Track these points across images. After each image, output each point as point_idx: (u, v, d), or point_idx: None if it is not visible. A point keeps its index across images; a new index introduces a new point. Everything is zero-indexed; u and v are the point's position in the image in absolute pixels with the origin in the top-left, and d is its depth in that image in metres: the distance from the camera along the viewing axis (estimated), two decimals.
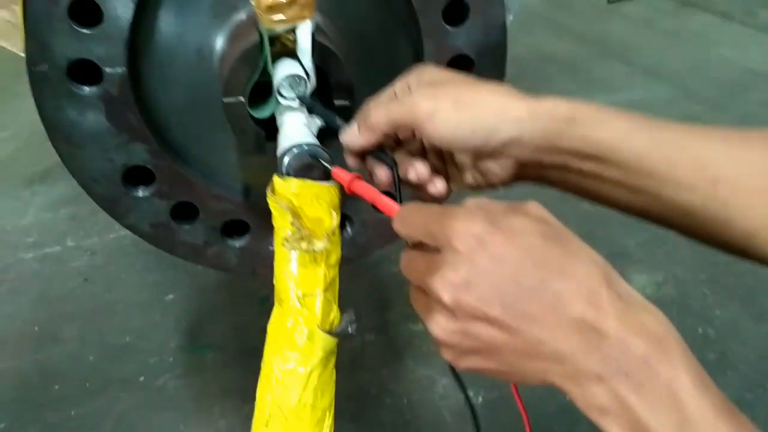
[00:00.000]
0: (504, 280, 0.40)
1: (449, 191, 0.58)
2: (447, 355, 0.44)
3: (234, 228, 0.84)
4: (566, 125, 0.50)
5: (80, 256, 1.99)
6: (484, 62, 0.79)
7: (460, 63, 0.79)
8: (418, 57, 0.79)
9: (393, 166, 0.55)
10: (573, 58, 2.95)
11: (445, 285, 0.41)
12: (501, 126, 0.51)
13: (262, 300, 1.66)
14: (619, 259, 1.64)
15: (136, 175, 0.78)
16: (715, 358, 1.41)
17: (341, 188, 0.58)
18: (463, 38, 0.77)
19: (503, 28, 0.78)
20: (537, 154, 0.52)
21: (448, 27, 0.76)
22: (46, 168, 2.52)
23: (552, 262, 0.41)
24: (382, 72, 0.81)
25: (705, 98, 2.42)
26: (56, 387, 1.50)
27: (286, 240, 0.55)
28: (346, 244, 0.85)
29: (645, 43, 2.99)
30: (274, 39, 0.65)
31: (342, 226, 0.85)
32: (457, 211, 0.44)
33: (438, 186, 0.56)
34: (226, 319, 1.67)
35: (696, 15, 3.20)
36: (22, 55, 2.19)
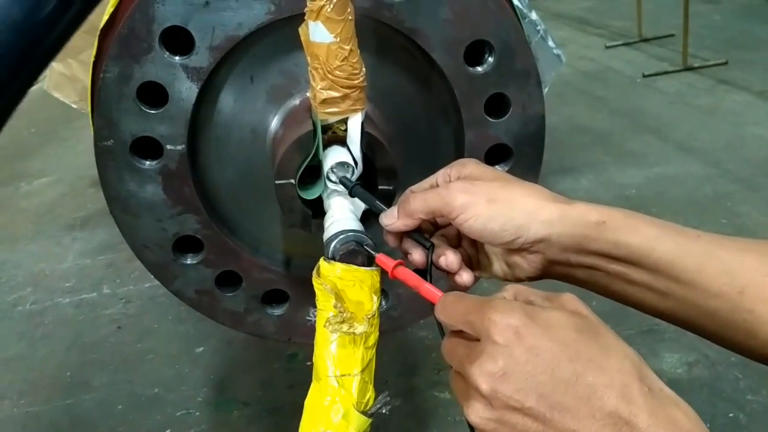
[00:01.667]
0: (539, 372, 0.42)
1: (474, 282, 0.60)
2: None
3: (274, 297, 0.88)
4: (596, 229, 0.53)
5: (115, 303, 2.04)
6: (523, 151, 0.83)
7: (500, 151, 0.83)
8: (459, 144, 0.83)
9: (430, 249, 0.58)
10: (607, 130, 2.98)
11: (483, 374, 0.43)
12: (531, 226, 0.54)
13: (289, 358, 1.68)
14: (650, 338, 1.63)
15: (186, 244, 0.82)
16: None
17: (383, 272, 0.61)
18: (503, 129, 0.81)
19: (542, 120, 0.81)
20: (565, 255, 0.55)
21: (489, 119, 0.80)
22: (87, 214, 2.61)
23: (586, 356, 0.43)
24: (426, 157, 0.85)
25: (739, 177, 2.42)
26: None
27: (328, 322, 0.58)
28: (381, 317, 0.87)
29: (679, 119, 3.01)
30: (327, 128, 0.69)
31: None
32: (496, 303, 0.46)
33: (464, 277, 0.59)
34: (253, 374, 1.69)
35: (731, 93, 3.23)
36: (73, 105, 2.26)
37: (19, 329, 1.94)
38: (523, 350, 0.43)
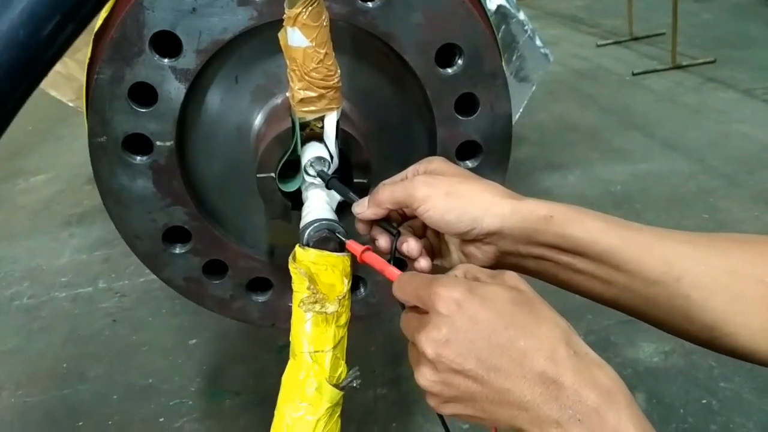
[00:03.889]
0: (478, 338, 0.48)
1: (431, 268, 0.65)
2: (431, 402, 0.52)
3: (258, 285, 0.93)
4: (545, 223, 0.58)
5: (110, 297, 2.09)
6: (491, 147, 0.88)
7: (470, 147, 0.88)
8: (432, 141, 0.88)
9: (396, 236, 0.64)
10: (595, 128, 3.03)
11: (429, 341, 0.49)
12: (485, 218, 0.59)
13: (280, 348, 1.73)
14: (628, 328, 1.68)
15: (175, 235, 0.87)
16: (717, 430, 1.44)
17: (354, 258, 0.66)
18: (472, 126, 0.86)
19: (509, 119, 0.87)
20: (516, 246, 0.60)
21: (459, 117, 0.85)
22: (84, 211, 2.65)
23: (520, 324, 0.48)
24: (401, 153, 0.91)
25: (722, 173, 2.47)
26: (80, 423, 1.57)
27: (302, 302, 0.64)
28: (360, 303, 0.93)
29: (666, 117, 3.06)
30: (305, 125, 0.74)
31: (356, 287, 0.94)
32: (442, 279, 0.52)
33: (422, 263, 0.64)
34: (245, 365, 1.74)
35: (718, 91, 3.28)
36: (70, 103, 2.31)
37: (16, 323, 1.98)
38: (463, 319, 0.48)
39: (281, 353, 1.71)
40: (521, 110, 2.37)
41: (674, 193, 2.37)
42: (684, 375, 1.58)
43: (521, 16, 2.24)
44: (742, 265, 0.56)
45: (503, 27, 2.22)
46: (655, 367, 1.60)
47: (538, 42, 2.31)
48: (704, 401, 1.51)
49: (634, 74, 3.64)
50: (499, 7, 2.17)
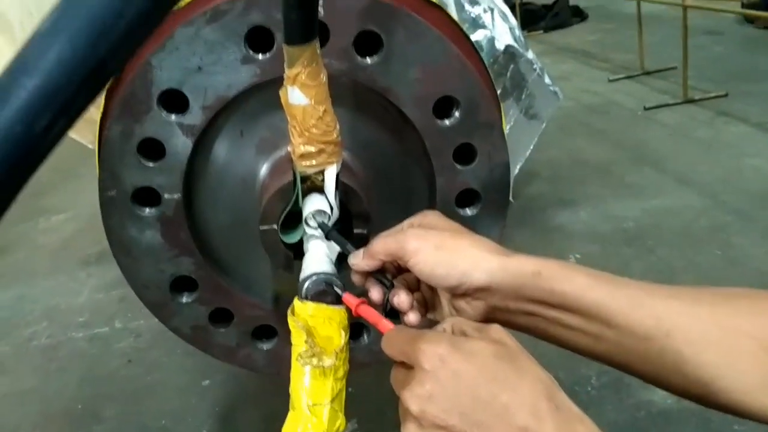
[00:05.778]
0: (461, 394, 0.49)
1: (421, 322, 0.66)
2: None
3: (263, 332, 0.95)
4: (532, 279, 0.60)
5: (126, 337, 2.11)
6: (490, 195, 0.90)
7: (469, 195, 0.90)
8: (432, 189, 0.90)
9: (389, 288, 0.66)
10: (607, 163, 3.03)
11: (413, 397, 0.50)
12: (473, 273, 0.60)
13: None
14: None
15: (182, 284, 0.89)
16: None
17: (350, 311, 0.68)
18: (471, 175, 0.88)
19: (507, 167, 0.88)
20: (505, 302, 0.61)
21: (458, 166, 0.87)
22: (101, 250, 2.69)
23: (502, 378, 0.49)
24: (401, 201, 0.93)
25: (735, 209, 2.46)
26: None
27: (300, 356, 0.65)
28: (364, 351, 0.94)
29: (679, 151, 3.06)
30: (306, 178, 0.77)
31: (359, 334, 0.95)
32: (427, 335, 0.53)
33: (410, 317, 0.65)
34: (257, 407, 1.74)
35: (730, 125, 3.28)
36: (89, 145, 2.39)
37: (34, 363, 2.01)
38: (447, 375, 0.49)
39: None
40: (531, 147, 2.39)
41: (687, 229, 2.36)
42: (697, 417, 1.56)
43: (530, 55, 2.28)
44: (730, 320, 0.57)
45: (512, 66, 2.26)
46: (669, 409, 1.58)
47: (547, 80, 2.34)
48: None
49: (645, 109, 3.64)
50: (508, 47, 2.20)
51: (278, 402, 1.71)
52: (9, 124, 0.29)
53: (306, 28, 0.65)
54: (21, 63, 0.29)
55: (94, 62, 0.29)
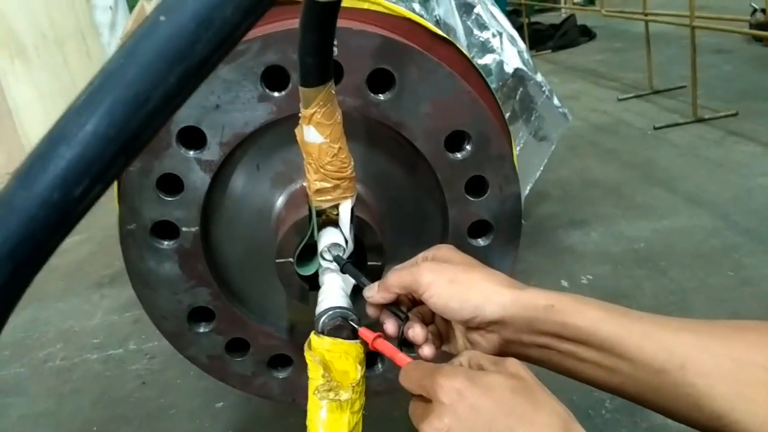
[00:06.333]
0: (479, 428, 0.50)
1: (435, 355, 0.67)
2: None
3: (279, 361, 0.96)
4: (545, 312, 0.61)
5: (140, 359, 2.13)
6: (502, 226, 0.91)
7: (481, 227, 0.91)
8: (444, 221, 0.91)
9: (404, 321, 0.67)
10: (617, 183, 3.04)
11: (432, 430, 0.51)
12: (486, 307, 0.62)
13: (304, 413, 1.74)
14: None
15: (199, 314, 0.91)
16: None
17: (366, 344, 0.69)
18: (483, 207, 0.89)
19: (518, 198, 0.90)
20: (519, 335, 0.62)
21: (470, 198, 0.89)
22: (115, 272, 2.72)
23: (519, 412, 0.50)
24: (415, 233, 0.94)
25: (746, 229, 2.46)
26: None
27: (317, 390, 0.67)
28: (379, 379, 0.95)
29: (689, 171, 3.06)
30: (321, 212, 0.79)
31: (374, 362, 0.96)
32: (445, 369, 0.54)
33: (425, 351, 0.67)
34: (270, 429, 1.75)
35: (740, 144, 3.27)
36: None
37: (49, 385, 2.03)
38: (465, 408, 0.51)
39: (305, 418, 1.72)
40: (541, 169, 2.41)
41: (698, 250, 2.36)
42: None
43: (539, 77, 2.30)
44: (744, 353, 0.57)
45: (521, 89, 2.28)
46: None
47: (556, 102, 2.36)
48: None
49: (655, 128, 3.65)
50: (517, 70, 2.23)
51: (292, 423, 1.73)
52: (48, 191, 0.31)
53: (321, 71, 0.68)
54: (59, 134, 0.31)
55: (128, 135, 0.31)
